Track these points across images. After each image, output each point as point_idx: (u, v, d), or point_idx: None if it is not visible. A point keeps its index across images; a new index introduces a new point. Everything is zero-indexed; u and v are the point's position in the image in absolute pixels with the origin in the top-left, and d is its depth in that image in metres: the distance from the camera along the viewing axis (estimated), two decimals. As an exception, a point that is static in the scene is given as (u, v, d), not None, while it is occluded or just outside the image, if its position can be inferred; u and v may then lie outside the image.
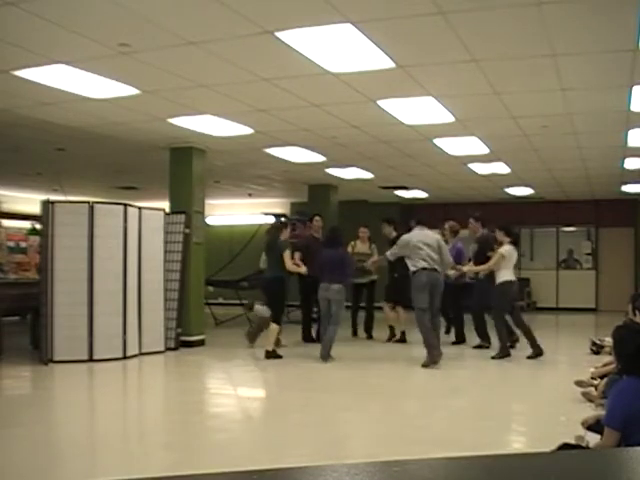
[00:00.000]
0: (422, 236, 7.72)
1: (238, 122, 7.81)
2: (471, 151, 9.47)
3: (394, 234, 9.64)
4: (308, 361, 7.88)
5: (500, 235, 8.40)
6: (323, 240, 8.52)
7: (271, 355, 8.00)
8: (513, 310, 8.20)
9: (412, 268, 7.58)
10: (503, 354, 8.00)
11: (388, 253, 7.99)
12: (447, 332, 9.87)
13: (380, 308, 10.08)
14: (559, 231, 15.99)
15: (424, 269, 7.50)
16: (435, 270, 7.56)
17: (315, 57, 5.37)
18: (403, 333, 9.56)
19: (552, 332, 12.68)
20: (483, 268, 8.44)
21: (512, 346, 8.54)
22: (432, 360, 7.43)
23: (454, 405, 5.82)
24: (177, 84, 6.19)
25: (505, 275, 8.15)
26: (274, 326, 8.11)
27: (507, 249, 8.24)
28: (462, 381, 7.07)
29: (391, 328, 9.73)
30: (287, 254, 8.21)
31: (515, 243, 8.46)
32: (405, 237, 7.89)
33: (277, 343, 8.27)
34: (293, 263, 8.43)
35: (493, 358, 7.98)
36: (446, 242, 9.19)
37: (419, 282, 7.51)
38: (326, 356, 7.77)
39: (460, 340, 9.39)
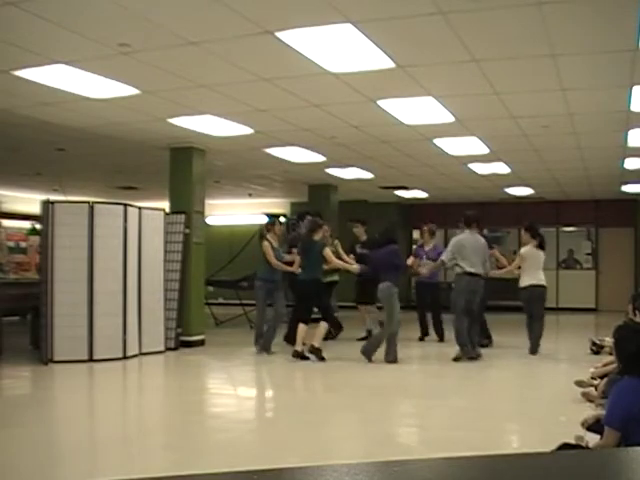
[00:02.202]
0: (473, 241, 8.01)
1: (238, 122, 7.81)
2: (471, 151, 9.47)
3: (364, 237, 9.59)
4: (307, 361, 7.87)
5: (526, 237, 8.56)
6: (377, 241, 8.33)
7: (298, 355, 7.84)
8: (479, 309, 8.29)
9: (457, 270, 7.93)
10: (534, 350, 8.35)
11: (444, 258, 8.08)
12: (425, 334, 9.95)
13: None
14: (559, 231, 15.98)
15: (467, 273, 7.84)
16: (478, 275, 7.89)
17: (315, 57, 5.37)
18: (369, 332, 9.46)
19: (552, 332, 12.67)
20: (508, 270, 8.54)
21: (485, 345, 8.78)
22: (465, 355, 7.81)
23: (454, 405, 5.82)
24: (177, 84, 6.19)
25: (529, 279, 8.32)
26: (302, 326, 7.93)
27: (527, 250, 8.42)
28: (462, 381, 7.07)
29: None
30: (328, 251, 8.08)
31: (541, 245, 8.58)
32: (457, 240, 8.09)
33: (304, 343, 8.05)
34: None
35: (531, 354, 8.32)
36: (422, 244, 9.80)
37: (461, 285, 7.88)
38: (394, 359, 7.68)
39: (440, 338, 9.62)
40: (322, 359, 7.78)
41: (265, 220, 9.70)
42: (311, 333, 7.91)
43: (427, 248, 9.69)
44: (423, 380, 7.26)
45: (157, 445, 4.63)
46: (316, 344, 7.85)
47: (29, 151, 9.73)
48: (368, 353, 7.70)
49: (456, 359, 7.79)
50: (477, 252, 7.95)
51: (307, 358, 7.81)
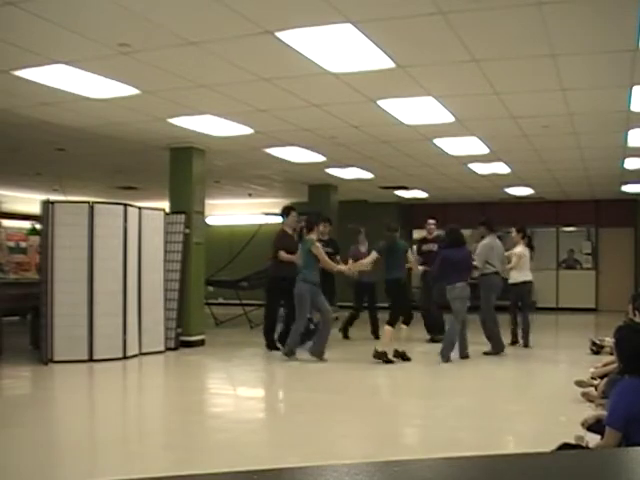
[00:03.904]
0: (498, 244, 8.84)
1: (238, 122, 7.81)
2: (471, 151, 9.47)
3: (327, 236, 9.52)
4: (307, 361, 7.87)
5: (517, 237, 9.38)
6: (446, 241, 8.52)
7: (381, 356, 7.67)
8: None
9: (486, 270, 8.57)
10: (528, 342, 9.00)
11: (478, 264, 8.56)
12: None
13: None
14: (559, 231, 15.99)
15: (496, 273, 8.61)
16: (499, 274, 8.73)
17: (315, 57, 5.37)
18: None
19: (552, 332, 12.68)
20: (510, 266, 9.22)
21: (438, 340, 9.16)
22: (495, 350, 8.40)
23: (454, 405, 5.82)
24: (177, 84, 6.19)
25: (523, 275, 9.13)
26: (388, 328, 7.81)
27: (523, 250, 9.24)
28: (462, 381, 7.07)
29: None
30: (410, 254, 8.33)
31: (530, 245, 9.51)
32: (487, 243, 8.74)
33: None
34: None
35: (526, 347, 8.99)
36: (359, 245, 10.11)
37: (492, 284, 8.57)
38: (465, 354, 8.11)
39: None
40: (390, 361, 7.69)
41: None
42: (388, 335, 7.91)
43: (363, 249, 9.85)
44: (423, 380, 7.26)
45: (157, 445, 4.63)
46: (380, 349, 7.76)
47: (29, 151, 9.73)
48: (443, 355, 7.90)
49: (487, 353, 8.34)
50: (500, 254, 8.77)
51: (392, 361, 7.69)
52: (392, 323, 7.87)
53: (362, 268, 8.45)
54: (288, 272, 8.30)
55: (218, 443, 4.57)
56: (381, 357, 7.66)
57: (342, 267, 8.55)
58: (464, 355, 8.10)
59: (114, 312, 7.84)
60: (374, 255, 8.14)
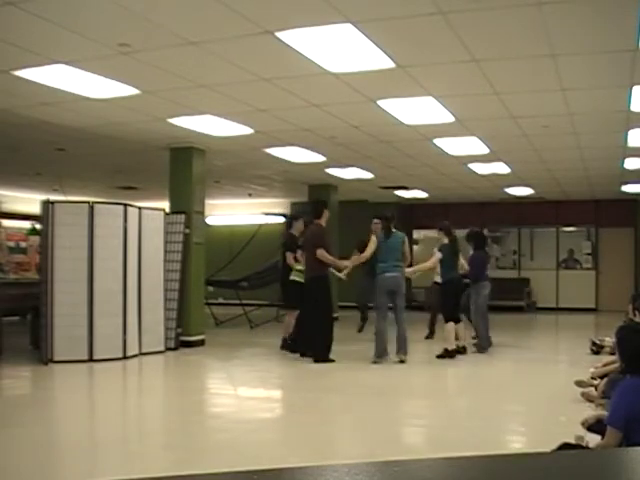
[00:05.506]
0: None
1: (238, 122, 7.81)
2: (471, 151, 9.47)
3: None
4: (307, 361, 7.87)
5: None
6: (472, 242, 8.84)
7: (451, 354, 7.94)
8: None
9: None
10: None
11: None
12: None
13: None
14: (559, 231, 15.99)
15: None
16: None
17: (315, 57, 5.37)
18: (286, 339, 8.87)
19: (552, 332, 12.69)
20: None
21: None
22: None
23: (454, 405, 5.82)
24: (177, 84, 6.19)
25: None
26: (452, 324, 8.11)
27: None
28: (462, 381, 7.07)
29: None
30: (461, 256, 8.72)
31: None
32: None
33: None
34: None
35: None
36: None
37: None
38: (487, 347, 8.52)
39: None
40: (452, 356, 7.97)
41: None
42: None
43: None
44: (423, 380, 7.25)
45: (157, 445, 4.63)
46: (449, 347, 8.02)
47: (29, 151, 9.73)
48: (484, 347, 8.50)
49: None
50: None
51: (454, 355, 7.98)
52: (455, 320, 8.21)
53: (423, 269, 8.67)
54: (326, 270, 7.93)
55: (218, 443, 4.57)
56: (451, 355, 7.94)
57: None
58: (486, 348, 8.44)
59: (114, 312, 7.84)
60: (439, 255, 8.31)
